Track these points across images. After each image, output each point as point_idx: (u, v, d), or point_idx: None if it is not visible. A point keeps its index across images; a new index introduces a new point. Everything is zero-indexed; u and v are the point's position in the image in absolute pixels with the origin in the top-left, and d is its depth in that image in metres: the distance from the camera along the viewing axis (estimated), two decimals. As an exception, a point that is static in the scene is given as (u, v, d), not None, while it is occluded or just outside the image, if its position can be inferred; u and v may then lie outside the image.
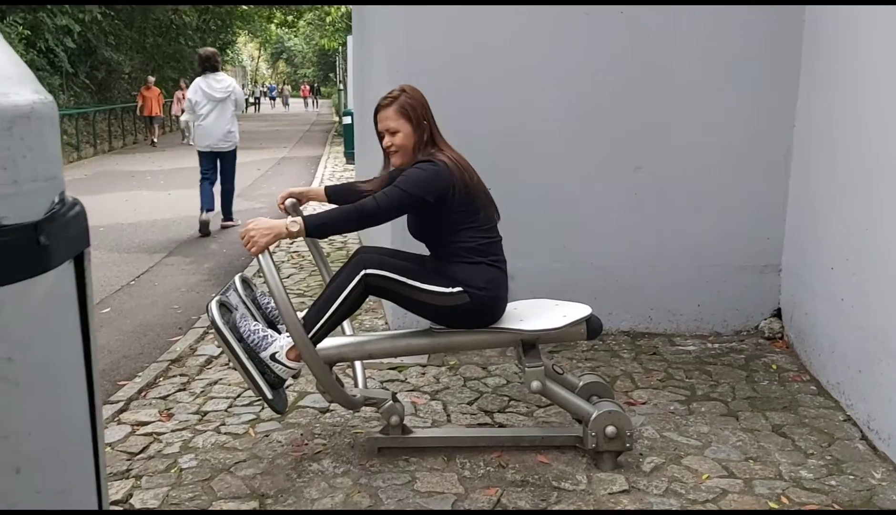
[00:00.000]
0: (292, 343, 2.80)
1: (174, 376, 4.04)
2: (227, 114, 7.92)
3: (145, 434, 3.35)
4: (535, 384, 2.92)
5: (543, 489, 2.84)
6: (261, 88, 55.56)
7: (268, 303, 3.15)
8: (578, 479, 2.90)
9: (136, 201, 10.68)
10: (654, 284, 4.50)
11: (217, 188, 8.30)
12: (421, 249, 3.11)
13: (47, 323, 0.77)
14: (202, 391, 3.81)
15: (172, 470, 3.02)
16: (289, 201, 3.29)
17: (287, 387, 3.19)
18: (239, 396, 3.73)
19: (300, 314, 2.84)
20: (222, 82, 7.93)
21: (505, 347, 3.19)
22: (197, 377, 4.01)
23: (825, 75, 3.92)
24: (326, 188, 3.36)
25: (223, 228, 8.40)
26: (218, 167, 8.16)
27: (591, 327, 3.03)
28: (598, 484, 2.86)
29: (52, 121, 0.79)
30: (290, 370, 2.86)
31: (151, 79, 21.03)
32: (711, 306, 4.54)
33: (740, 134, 4.35)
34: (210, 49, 8.41)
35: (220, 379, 3.96)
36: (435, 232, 2.99)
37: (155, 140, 20.61)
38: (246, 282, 3.19)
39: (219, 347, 3.85)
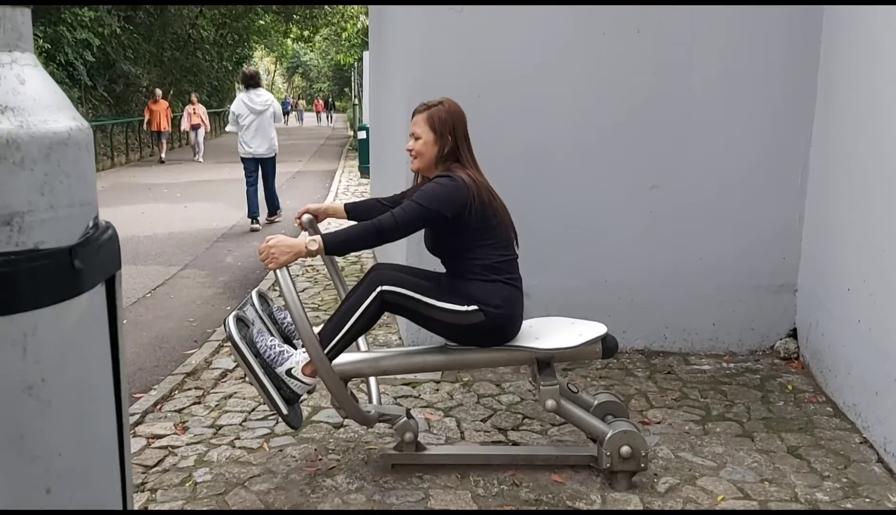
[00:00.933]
0: (308, 359, 2.81)
1: (189, 389, 4.06)
2: (265, 125, 8.93)
3: (160, 447, 3.36)
4: (550, 403, 2.91)
5: (558, 508, 2.83)
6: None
7: (284, 318, 3.16)
8: (593, 499, 2.89)
9: (152, 213, 10.76)
10: (669, 302, 4.49)
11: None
12: (437, 265, 3.13)
13: (80, 345, 0.79)
14: (217, 405, 3.83)
15: (187, 484, 3.03)
16: (305, 217, 3.32)
17: (301, 402, 3.20)
18: (253, 410, 3.74)
19: (316, 330, 2.86)
20: (262, 97, 8.93)
21: (520, 365, 3.19)
22: (212, 391, 4.03)
23: (842, 94, 3.91)
24: (346, 205, 3.38)
25: (269, 222, 9.53)
26: (259, 172, 9.16)
27: (607, 346, 3.03)
28: (612, 504, 2.86)
29: (87, 147, 0.81)
30: (305, 386, 2.87)
31: (159, 92, 20.30)
32: (727, 325, 4.52)
33: (756, 153, 4.35)
34: (252, 68, 9.69)
35: (235, 393, 3.97)
36: (451, 248, 3.00)
37: (163, 157, 19.58)
38: (262, 297, 3.22)
39: (235, 361, 3.88)
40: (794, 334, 4.47)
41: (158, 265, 7.41)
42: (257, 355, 2.83)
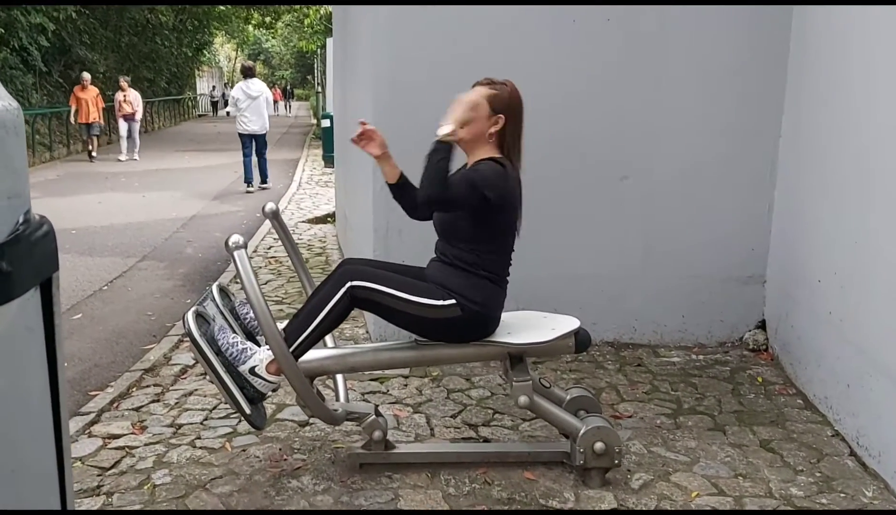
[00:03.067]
0: (272, 357, 2.70)
1: (148, 386, 3.92)
2: (260, 108, 11.13)
3: (117, 448, 3.22)
4: (523, 400, 2.84)
5: (531, 507, 2.76)
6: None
7: (247, 313, 3.04)
8: (566, 497, 2.82)
9: (109, 203, 10.47)
10: (638, 294, 4.45)
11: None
12: (405, 259, 3.02)
13: (8, 360, 0.68)
14: (177, 403, 3.69)
15: (145, 487, 2.90)
16: (269, 207, 3.20)
17: (265, 399, 3.08)
18: (215, 407, 3.62)
19: (281, 325, 2.74)
20: (256, 85, 11.21)
21: (491, 360, 3.12)
22: (171, 388, 3.89)
23: (812, 87, 3.89)
24: (402, 173, 2.99)
25: (262, 189, 11.56)
26: (254, 146, 11.36)
27: (580, 340, 2.97)
28: (585, 502, 2.80)
29: (16, 130, 0.70)
30: (270, 385, 2.75)
31: (87, 76, 16.56)
32: (696, 317, 4.49)
33: (725, 145, 4.31)
34: (250, 62, 12.66)
35: (196, 390, 3.84)
36: (465, 235, 2.84)
37: (93, 153, 16.23)
38: (223, 291, 3.09)
39: (195, 359, 3.73)
40: (762, 325, 4.45)
41: (115, 257, 7.19)
42: (219, 353, 2.70)
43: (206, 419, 3.50)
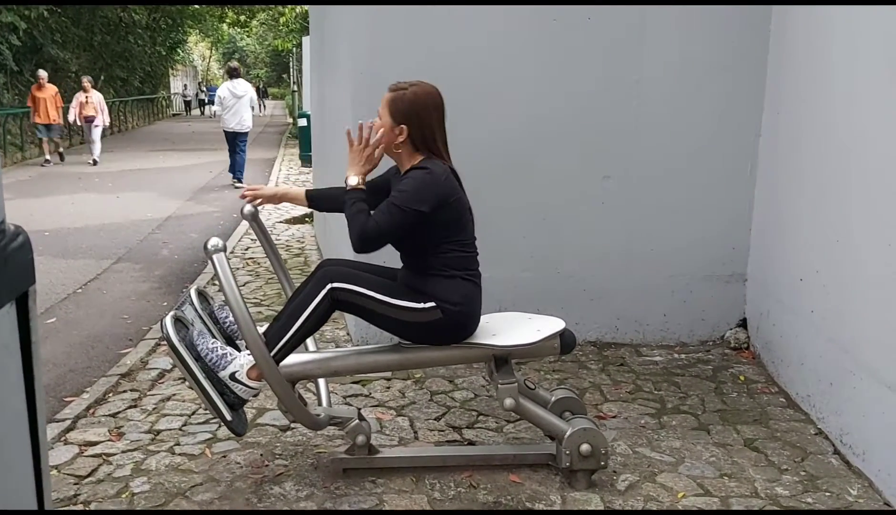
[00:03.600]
0: (253, 362, 2.65)
1: (124, 391, 3.84)
2: (242, 108, 11.64)
3: (94, 456, 3.15)
4: (509, 402, 2.81)
5: (517, 510, 2.73)
6: (203, 90, 44.45)
7: (226, 317, 2.98)
8: (553, 500, 2.80)
9: (82, 204, 10.31)
10: (621, 293, 4.43)
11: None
12: (387, 259, 2.98)
13: (-17, 380, 0.63)
14: (154, 408, 3.62)
15: (124, 495, 2.84)
16: (248, 208, 3.11)
17: (245, 404, 3.03)
18: (194, 413, 3.55)
19: (261, 329, 2.69)
20: (241, 86, 11.80)
21: (476, 362, 3.08)
22: (149, 393, 3.82)
23: (792, 85, 3.89)
24: (308, 192, 3.16)
25: (235, 187, 11.69)
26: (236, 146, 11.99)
27: (565, 341, 2.94)
28: (572, 504, 2.77)
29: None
30: (251, 390, 2.70)
31: (43, 74, 15.41)
32: (677, 315, 4.49)
33: (706, 144, 4.31)
34: (235, 63, 13.06)
35: (174, 395, 3.77)
36: (417, 244, 2.80)
37: (48, 158, 15.02)
38: (202, 294, 3.03)
39: (173, 364, 3.65)
40: (743, 324, 4.46)
41: (89, 259, 7.07)
42: (198, 358, 2.65)
43: (184, 425, 3.43)
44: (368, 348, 3.08)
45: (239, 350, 2.76)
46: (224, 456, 3.12)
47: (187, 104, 41.59)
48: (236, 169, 12.11)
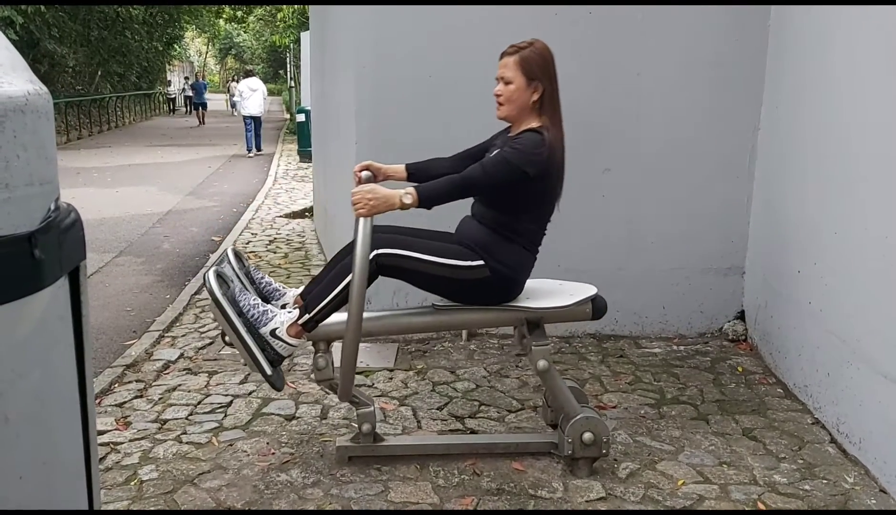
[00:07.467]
0: (293, 319, 2.73)
1: (130, 382, 3.88)
2: (257, 98, 15.97)
3: (101, 444, 3.19)
4: (542, 363, 2.83)
5: (520, 497, 2.78)
6: (189, 86, 32.43)
7: (262, 278, 3.03)
8: (555, 487, 2.85)
9: (82, 198, 10.31)
10: (620, 286, 4.48)
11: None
12: (413, 222, 3.02)
13: (41, 349, 0.67)
14: (160, 398, 3.66)
15: (132, 483, 2.88)
16: (365, 174, 3.04)
17: (283, 362, 3.02)
18: (200, 403, 3.59)
19: (296, 292, 2.79)
20: (255, 83, 16.21)
21: (509, 325, 3.09)
22: (154, 383, 3.86)
23: (791, 78, 3.94)
24: (408, 165, 3.13)
25: (258, 155, 15.86)
26: (254, 125, 16.16)
27: (597, 306, 2.98)
28: (574, 492, 2.82)
29: (47, 115, 0.69)
30: (290, 347, 2.76)
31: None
32: (676, 308, 4.54)
33: (705, 136, 4.36)
34: (251, 66, 17.43)
35: (180, 385, 3.81)
36: (503, 203, 2.81)
37: None
38: (238, 255, 3.04)
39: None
40: (741, 316, 4.51)
41: (91, 252, 7.09)
42: (240, 314, 2.69)
43: (191, 414, 3.48)
44: (403, 310, 3.13)
45: (273, 309, 2.81)
46: (231, 444, 3.16)
47: (171, 101, 35.76)
48: (254, 144, 16.08)
